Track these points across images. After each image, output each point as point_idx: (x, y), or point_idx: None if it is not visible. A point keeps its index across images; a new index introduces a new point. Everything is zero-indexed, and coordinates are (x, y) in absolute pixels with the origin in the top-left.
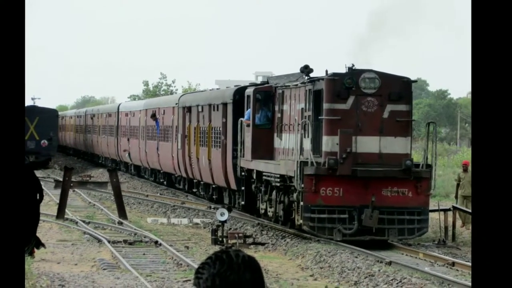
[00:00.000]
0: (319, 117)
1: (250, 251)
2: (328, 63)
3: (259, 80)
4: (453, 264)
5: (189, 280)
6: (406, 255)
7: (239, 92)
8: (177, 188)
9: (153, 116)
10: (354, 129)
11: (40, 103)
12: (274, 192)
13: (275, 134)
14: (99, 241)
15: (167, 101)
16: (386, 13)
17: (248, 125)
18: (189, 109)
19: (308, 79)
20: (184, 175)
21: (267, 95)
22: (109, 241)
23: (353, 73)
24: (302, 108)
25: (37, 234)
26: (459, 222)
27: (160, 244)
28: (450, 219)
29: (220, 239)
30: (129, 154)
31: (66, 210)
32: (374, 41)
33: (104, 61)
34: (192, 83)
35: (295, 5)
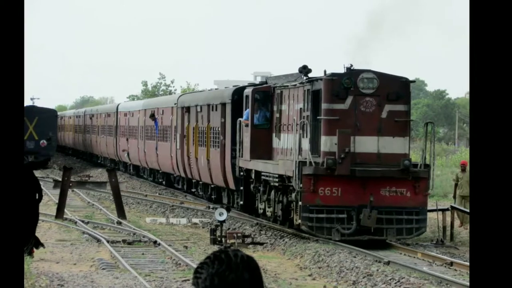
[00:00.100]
0: (318, 117)
1: (248, 251)
2: (327, 63)
3: (258, 80)
4: (451, 263)
5: (188, 280)
6: (405, 255)
7: (238, 92)
8: (176, 188)
9: (152, 116)
10: (353, 129)
11: (39, 103)
12: (272, 192)
13: (274, 134)
14: (98, 241)
15: (166, 101)
16: (384, 13)
17: (246, 125)
18: (187, 109)
19: (306, 79)
20: (183, 175)
21: (265, 95)
22: (108, 241)
23: (352, 73)
24: (300, 108)
25: (36, 234)
26: (457, 222)
27: (159, 244)
28: (448, 219)
29: (219, 239)
30: (128, 154)
31: (65, 210)
32: (372, 41)
33: (103, 61)
34: (191, 83)
35: (294, 5)
